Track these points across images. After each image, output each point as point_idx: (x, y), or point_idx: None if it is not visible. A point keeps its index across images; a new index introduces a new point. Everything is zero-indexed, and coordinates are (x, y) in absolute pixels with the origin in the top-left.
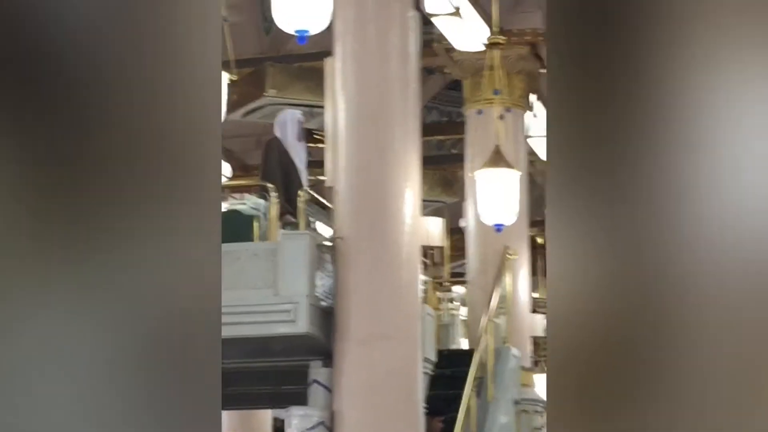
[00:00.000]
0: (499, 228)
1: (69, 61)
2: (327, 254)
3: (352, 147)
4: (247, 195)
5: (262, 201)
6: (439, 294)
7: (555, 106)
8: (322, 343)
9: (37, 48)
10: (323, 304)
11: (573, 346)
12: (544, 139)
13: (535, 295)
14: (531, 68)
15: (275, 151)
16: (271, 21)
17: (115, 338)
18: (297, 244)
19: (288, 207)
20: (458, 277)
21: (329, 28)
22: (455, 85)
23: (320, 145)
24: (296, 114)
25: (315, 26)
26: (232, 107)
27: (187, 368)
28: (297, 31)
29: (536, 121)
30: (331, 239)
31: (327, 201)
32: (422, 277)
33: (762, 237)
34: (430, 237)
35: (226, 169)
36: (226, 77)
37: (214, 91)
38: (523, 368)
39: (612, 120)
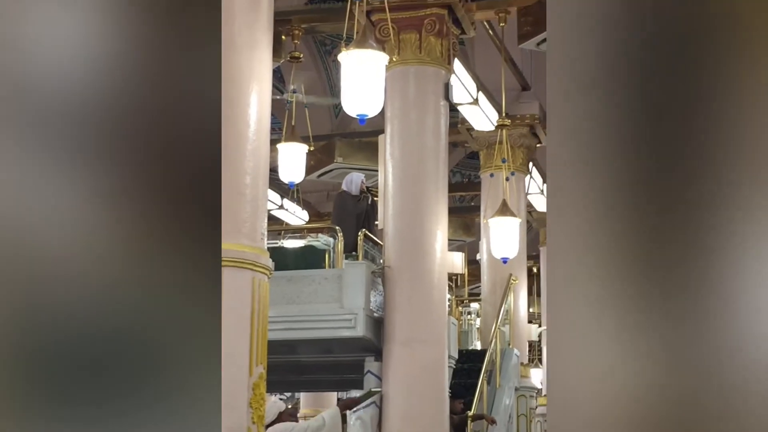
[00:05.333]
0: (505, 260)
1: None
2: (379, 278)
3: (397, 200)
4: (320, 234)
5: (331, 239)
6: (460, 308)
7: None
8: (374, 343)
9: None
10: (375, 315)
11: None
12: (539, 196)
13: (531, 309)
14: (530, 143)
15: (344, 201)
16: (340, 106)
17: None
18: (357, 271)
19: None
20: (474, 296)
21: (382, 113)
22: (473, 155)
23: (375, 198)
24: (360, 176)
25: (371, 111)
26: (309, 170)
27: None
28: (358, 115)
29: (533, 182)
30: (382, 267)
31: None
32: (448, 296)
33: None
34: (454, 266)
35: (304, 215)
36: (305, 148)
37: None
38: (522, 364)
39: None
